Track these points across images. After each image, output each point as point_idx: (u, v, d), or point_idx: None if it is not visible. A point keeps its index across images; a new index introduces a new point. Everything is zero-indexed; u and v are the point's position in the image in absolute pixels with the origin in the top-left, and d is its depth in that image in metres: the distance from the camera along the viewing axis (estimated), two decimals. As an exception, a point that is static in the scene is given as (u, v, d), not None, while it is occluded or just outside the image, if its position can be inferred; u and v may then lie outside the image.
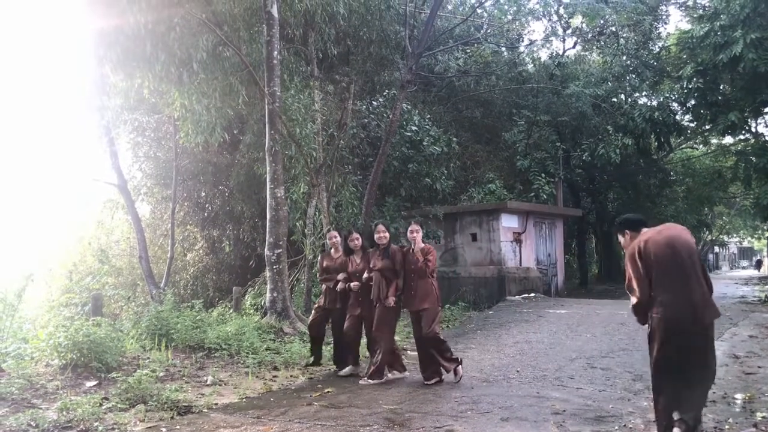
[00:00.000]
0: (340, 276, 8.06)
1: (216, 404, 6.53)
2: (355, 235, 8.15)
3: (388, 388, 7.09)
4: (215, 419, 5.95)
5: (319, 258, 8.73)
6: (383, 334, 7.51)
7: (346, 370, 7.96)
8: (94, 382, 7.38)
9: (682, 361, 4.54)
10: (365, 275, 7.76)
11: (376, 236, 7.77)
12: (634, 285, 4.80)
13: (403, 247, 7.84)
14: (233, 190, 17.98)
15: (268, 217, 11.74)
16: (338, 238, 8.47)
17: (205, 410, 6.28)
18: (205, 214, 19.94)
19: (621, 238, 5.22)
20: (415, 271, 7.42)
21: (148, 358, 8.74)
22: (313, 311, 8.71)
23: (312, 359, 8.64)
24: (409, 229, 7.63)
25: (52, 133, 23.52)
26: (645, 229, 5.01)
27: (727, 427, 5.14)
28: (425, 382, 7.26)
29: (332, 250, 8.48)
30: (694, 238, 5.05)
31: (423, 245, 7.54)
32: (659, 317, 4.61)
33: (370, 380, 7.40)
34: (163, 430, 5.61)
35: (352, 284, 7.88)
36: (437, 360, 7.33)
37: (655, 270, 4.68)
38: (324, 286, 8.42)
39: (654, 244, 4.74)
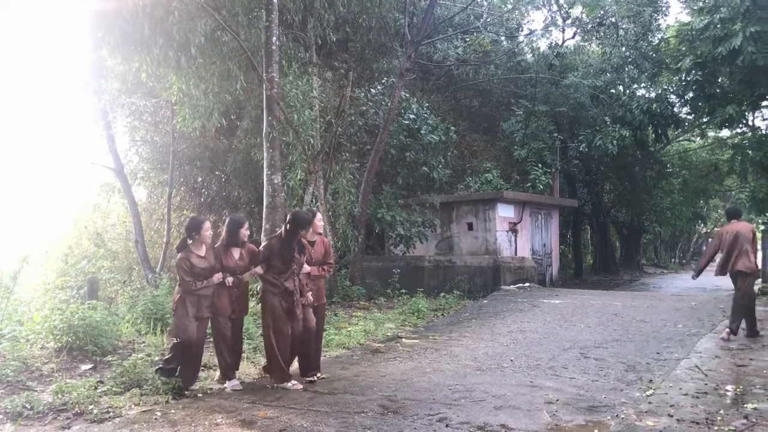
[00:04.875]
0: (218, 276, 6.53)
1: (211, 389, 6.55)
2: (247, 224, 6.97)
3: (383, 375, 7.12)
4: (210, 404, 5.97)
5: (182, 258, 6.45)
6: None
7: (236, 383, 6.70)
8: (89, 366, 7.42)
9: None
10: (257, 269, 6.71)
11: (317, 224, 7.07)
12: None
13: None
14: (230, 175, 17.96)
15: (264, 203, 11.74)
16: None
17: (200, 395, 6.30)
18: (202, 199, 19.94)
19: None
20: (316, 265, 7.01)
21: (144, 342, 8.77)
22: (187, 324, 6.40)
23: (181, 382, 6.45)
24: (318, 216, 7.19)
25: (49, 116, 23.43)
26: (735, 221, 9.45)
27: (718, 418, 5.18)
28: (308, 379, 6.78)
29: (195, 246, 6.58)
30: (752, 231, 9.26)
31: (324, 239, 7.26)
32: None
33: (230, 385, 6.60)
34: (158, 413, 5.63)
35: (229, 279, 6.61)
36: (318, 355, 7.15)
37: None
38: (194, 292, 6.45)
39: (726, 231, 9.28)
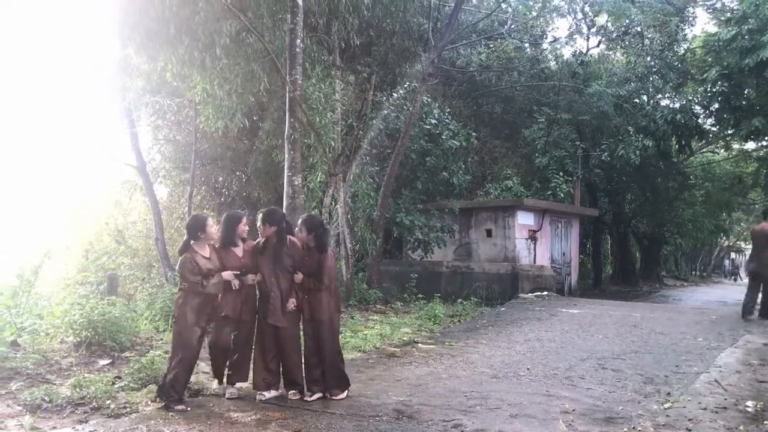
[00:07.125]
0: (228, 274, 6.10)
1: (227, 388, 6.57)
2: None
3: (398, 380, 7.10)
4: (226, 403, 6.00)
5: (186, 258, 5.99)
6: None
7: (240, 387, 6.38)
8: (107, 361, 7.48)
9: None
10: (254, 277, 6.25)
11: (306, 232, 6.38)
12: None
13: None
14: (251, 176, 18.06)
15: (284, 204, 11.77)
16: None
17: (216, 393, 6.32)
18: (222, 199, 20.05)
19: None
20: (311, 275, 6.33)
21: (161, 339, 8.83)
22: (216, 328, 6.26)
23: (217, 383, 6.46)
24: (297, 229, 6.45)
25: (74, 112, 23.69)
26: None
27: (737, 434, 5.11)
28: (306, 399, 6.17)
29: (199, 246, 6.11)
30: None
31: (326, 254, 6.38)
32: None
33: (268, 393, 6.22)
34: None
35: (235, 282, 6.14)
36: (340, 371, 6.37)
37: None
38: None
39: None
